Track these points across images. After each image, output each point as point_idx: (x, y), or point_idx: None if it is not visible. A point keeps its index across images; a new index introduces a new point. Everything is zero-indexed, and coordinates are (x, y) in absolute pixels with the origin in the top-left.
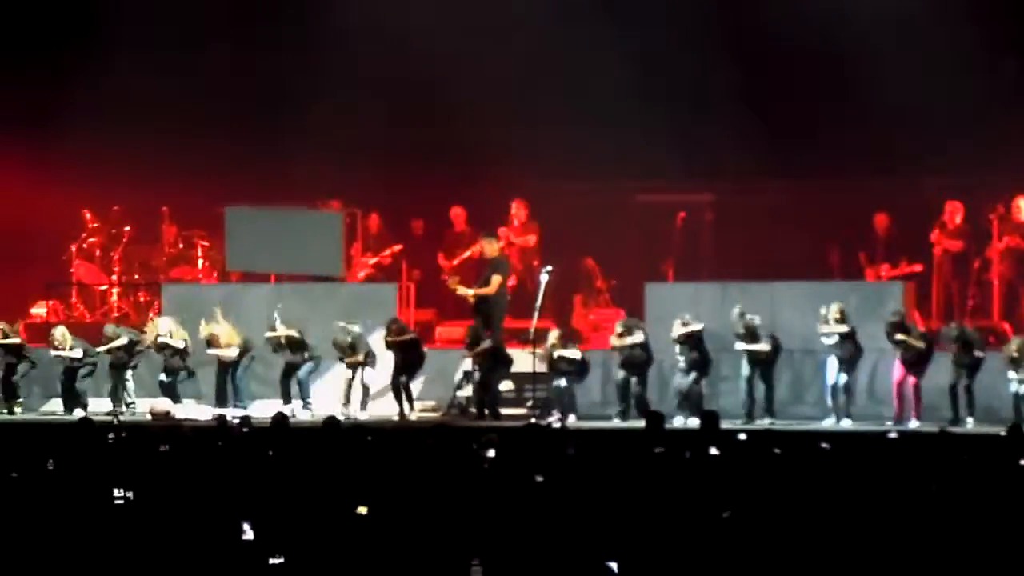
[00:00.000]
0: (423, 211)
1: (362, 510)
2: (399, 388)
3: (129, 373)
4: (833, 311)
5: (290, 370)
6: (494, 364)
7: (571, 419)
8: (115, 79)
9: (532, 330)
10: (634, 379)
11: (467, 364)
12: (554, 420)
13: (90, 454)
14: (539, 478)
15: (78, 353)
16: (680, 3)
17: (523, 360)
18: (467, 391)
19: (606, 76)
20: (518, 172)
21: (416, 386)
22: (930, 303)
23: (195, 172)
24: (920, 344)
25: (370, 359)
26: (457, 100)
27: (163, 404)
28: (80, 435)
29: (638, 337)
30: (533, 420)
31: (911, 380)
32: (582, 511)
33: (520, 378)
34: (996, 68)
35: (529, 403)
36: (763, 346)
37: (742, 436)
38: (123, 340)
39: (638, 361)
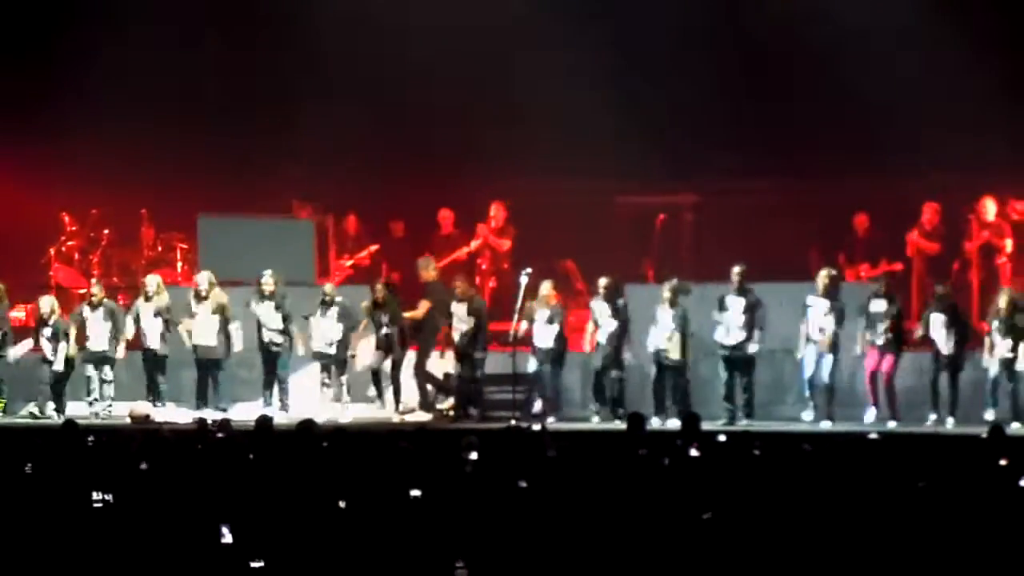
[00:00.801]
0: (403, 212)
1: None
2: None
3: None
4: (822, 276)
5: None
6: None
7: (550, 419)
8: (93, 82)
9: (512, 333)
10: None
11: (449, 366)
12: (536, 409)
13: (70, 457)
14: (523, 483)
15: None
16: (660, 4)
17: (503, 363)
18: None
19: (586, 77)
20: (497, 173)
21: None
22: (910, 302)
23: (174, 175)
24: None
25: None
26: (436, 101)
27: (142, 407)
28: (63, 438)
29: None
30: (513, 422)
31: (884, 370)
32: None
33: (501, 380)
34: (975, 68)
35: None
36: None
37: (722, 437)
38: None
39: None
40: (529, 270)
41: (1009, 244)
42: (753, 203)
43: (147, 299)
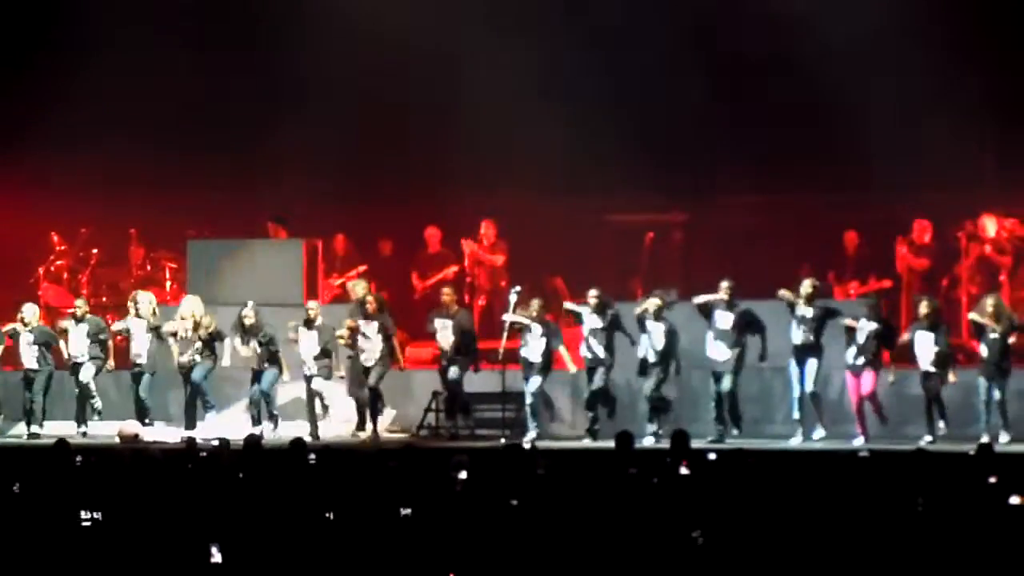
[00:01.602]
0: (391, 231)
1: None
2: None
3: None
4: (805, 286)
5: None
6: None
7: (531, 433)
8: (82, 101)
9: (501, 351)
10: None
11: (436, 384)
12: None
13: (58, 476)
14: (514, 502)
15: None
16: (652, 21)
17: (493, 380)
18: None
19: (575, 96)
20: (486, 191)
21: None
22: (899, 319)
23: (163, 194)
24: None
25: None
26: (423, 119)
27: (131, 427)
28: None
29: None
30: (504, 440)
31: (866, 392)
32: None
33: (490, 398)
34: (964, 86)
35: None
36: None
37: (712, 456)
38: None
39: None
40: (519, 288)
41: (1008, 261)
42: (742, 221)
43: (138, 316)
